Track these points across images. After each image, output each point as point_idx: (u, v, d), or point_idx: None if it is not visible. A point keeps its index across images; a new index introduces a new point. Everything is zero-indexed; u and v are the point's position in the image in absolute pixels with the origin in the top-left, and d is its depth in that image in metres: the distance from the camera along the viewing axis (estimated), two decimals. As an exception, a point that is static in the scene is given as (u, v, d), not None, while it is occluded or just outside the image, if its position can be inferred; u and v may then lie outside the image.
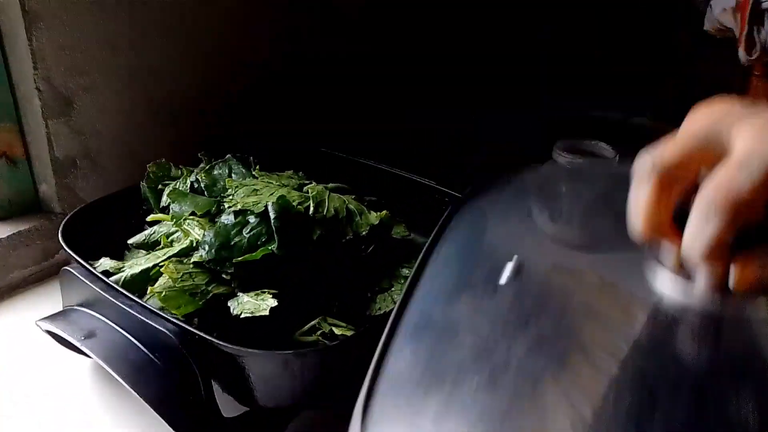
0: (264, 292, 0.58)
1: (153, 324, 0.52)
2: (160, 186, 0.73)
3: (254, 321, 0.56)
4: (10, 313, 0.76)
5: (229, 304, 0.59)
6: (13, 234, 0.79)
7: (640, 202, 0.35)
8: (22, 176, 0.82)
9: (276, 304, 0.56)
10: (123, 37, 0.83)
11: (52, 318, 0.60)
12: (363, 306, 0.64)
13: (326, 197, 0.66)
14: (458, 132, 1.12)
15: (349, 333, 0.58)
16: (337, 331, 0.58)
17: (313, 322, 0.60)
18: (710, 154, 0.33)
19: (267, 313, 0.56)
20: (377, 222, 0.67)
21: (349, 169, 0.83)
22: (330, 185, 0.71)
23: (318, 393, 0.54)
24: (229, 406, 0.55)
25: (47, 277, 0.83)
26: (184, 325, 0.52)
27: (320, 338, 0.59)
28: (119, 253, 0.70)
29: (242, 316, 0.57)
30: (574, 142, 0.53)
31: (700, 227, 0.32)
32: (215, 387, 0.55)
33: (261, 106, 1.07)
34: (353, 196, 0.73)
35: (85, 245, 0.66)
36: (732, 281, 0.33)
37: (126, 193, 0.75)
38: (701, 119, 0.34)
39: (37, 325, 0.59)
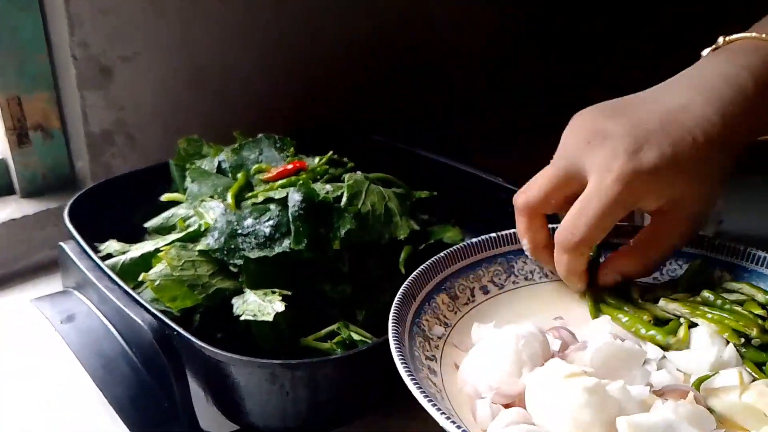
0: (274, 293, 0.49)
1: (129, 313, 0.44)
2: (188, 165, 0.66)
3: (266, 325, 0.48)
4: (34, 294, 0.70)
5: (233, 302, 0.50)
6: (42, 212, 0.74)
7: (518, 230, 0.47)
8: (57, 150, 0.77)
9: (283, 308, 0.47)
10: (172, 1, 0.76)
11: (45, 298, 0.53)
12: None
13: (364, 189, 0.57)
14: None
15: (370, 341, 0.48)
16: (356, 337, 0.48)
17: (332, 327, 0.51)
18: (571, 186, 0.44)
19: (270, 318, 0.46)
20: (418, 228, 0.57)
21: (404, 159, 0.71)
22: (372, 175, 0.60)
23: (319, 415, 0.45)
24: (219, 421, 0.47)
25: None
26: (160, 316, 0.43)
27: (336, 346, 0.49)
28: (138, 237, 0.63)
29: (242, 318, 0.48)
30: None
31: (558, 259, 0.44)
32: (206, 397, 0.47)
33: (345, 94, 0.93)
34: (401, 190, 0.62)
35: (100, 226, 0.60)
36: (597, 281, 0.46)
37: (152, 172, 0.68)
38: (567, 146, 0.44)
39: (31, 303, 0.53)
